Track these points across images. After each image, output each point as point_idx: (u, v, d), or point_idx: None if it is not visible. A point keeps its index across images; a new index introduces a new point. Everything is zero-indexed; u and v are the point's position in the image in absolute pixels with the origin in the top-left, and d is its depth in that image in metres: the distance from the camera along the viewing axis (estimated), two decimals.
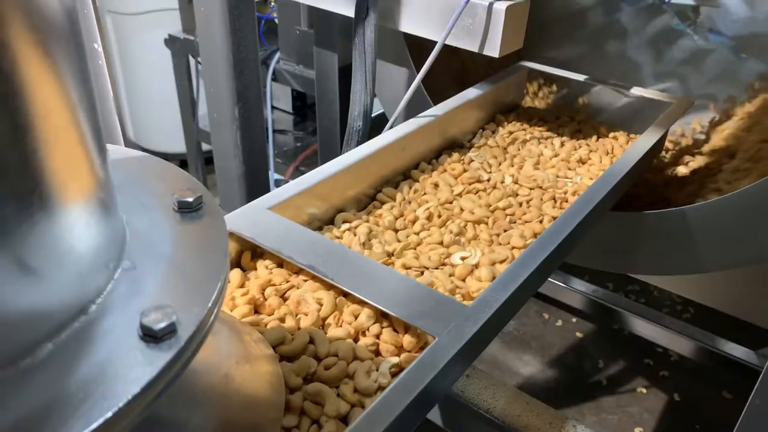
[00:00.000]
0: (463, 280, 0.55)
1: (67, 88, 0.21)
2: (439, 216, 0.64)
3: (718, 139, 0.97)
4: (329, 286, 0.50)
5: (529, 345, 1.55)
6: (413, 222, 0.63)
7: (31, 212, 0.21)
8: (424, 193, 0.69)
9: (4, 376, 0.21)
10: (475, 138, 0.83)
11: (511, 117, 0.90)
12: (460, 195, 0.69)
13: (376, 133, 0.72)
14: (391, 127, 0.73)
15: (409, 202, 0.66)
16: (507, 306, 0.48)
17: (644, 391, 1.43)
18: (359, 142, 0.81)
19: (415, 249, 0.59)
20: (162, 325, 0.24)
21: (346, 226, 0.61)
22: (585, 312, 1.49)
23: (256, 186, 0.98)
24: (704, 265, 0.80)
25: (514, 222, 0.66)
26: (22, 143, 0.20)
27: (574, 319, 1.62)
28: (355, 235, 0.59)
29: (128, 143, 2.15)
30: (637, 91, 0.88)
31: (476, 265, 0.57)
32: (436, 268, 0.56)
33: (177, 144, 2.04)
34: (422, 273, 0.55)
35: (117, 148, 0.35)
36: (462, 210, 0.66)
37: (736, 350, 1.23)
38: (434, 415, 0.76)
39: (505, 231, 0.63)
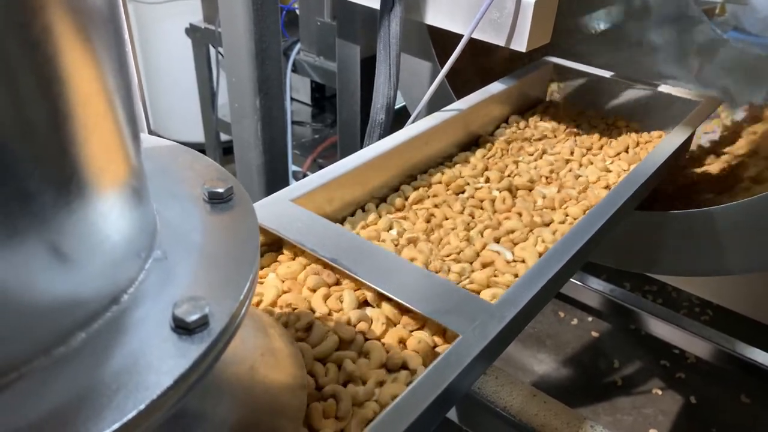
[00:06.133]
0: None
1: (106, 74, 0.21)
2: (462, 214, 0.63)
3: (745, 139, 0.95)
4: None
5: (544, 343, 1.54)
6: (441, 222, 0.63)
7: (68, 200, 0.21)
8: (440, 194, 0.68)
9: (38, 365, 0.21)
10: (497, 131, 0.82)
11: (535, 112, 0.89)
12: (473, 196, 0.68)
13: (397, 126, 0.72)
14: (413, 121, 0.72)
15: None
16: (531, 305, 0.47)
17: (660, 392, 1.41)
18: (381, 135, 0.80)
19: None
20: (195, 317, 0.23)
21: (369, 219, 0.61)
22: (601, 311, 1.48)
23: (275, 177, 0.97)
24: (729, 268, 0.79)
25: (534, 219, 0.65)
26: (62, 129, 0.19)
27: (589, 318, 1.61)
28: (381, 230, 0.59)
29: (148, 131, 2.16)
30: (664, 89, 0.86)
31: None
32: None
33: (196, 133, 2.05)
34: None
35: (146, 136, 0.35)
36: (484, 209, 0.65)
37: (756, 354, 1.21)
38: (450, 412, 0.75)
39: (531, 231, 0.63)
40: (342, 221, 0.61)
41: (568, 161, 0.76)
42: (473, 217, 0.63)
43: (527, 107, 0.90)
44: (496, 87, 0.82)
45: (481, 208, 0.65)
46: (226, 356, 0.29)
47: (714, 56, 0.99)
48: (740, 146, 0.95)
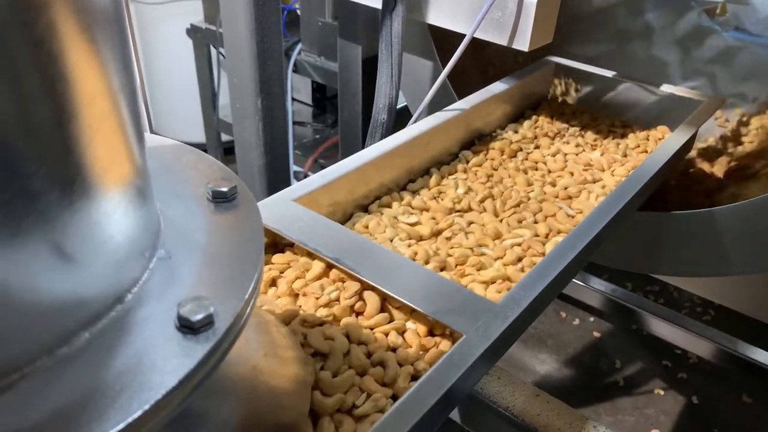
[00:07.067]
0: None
1: (111, 74, 0.21)
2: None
3: (748, 141, 0.95)
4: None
5: (546, 343, 1.54)
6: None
7: (72, 199, 0.21)
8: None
9: (42, 365, 0.21)
10: (500, 132, 0.82)
11: (537, 112, 0.89)
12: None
13: (398, 126, 0.72)
14: (415, 121, 0.72)
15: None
16: (534, 304, 0.47)
17: (662, 392, 1.41)
18: (383, 135, 0.80)
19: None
20: (199, 316, 0.23)
21: (371, 218, 0.61)
22: (603, 311, 1.48)
23: (276, 177, 0.97)
24: (732, 269, 0.79)
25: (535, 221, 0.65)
26: (67, 129, 0.19)
27: (591, 318, 1.61)
28: (382, 227, 0.59)
29: (149, 132, 2.16)
30: (666, 88, 0.86)
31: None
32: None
33: (196, 134, 2.05)
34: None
35: (150, 136, 0.35)
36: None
37: (758, 354, 1.21)
38: (453, 413, 0.75)
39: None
40: (345, 220, 0.61)
41: (610, 132, 0.84)
42: (528, 174, 0.71)
43: (530, 107, 0.90)
44: (498, 87, 0.82)
45: (536, 169, 0.73)
46: (230, 356, 0.29)
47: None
48: (742, 147, 0.95)
